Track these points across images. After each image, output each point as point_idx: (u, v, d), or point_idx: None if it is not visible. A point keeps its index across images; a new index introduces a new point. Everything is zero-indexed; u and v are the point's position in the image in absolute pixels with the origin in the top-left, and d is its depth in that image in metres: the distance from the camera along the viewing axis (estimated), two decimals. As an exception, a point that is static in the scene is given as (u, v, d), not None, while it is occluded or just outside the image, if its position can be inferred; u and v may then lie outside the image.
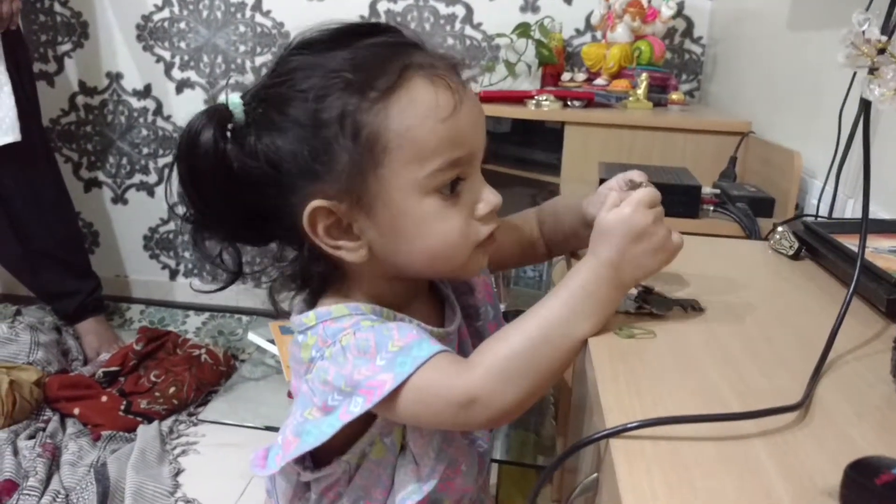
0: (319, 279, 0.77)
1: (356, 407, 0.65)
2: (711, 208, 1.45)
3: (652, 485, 0.44)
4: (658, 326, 0.68)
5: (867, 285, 0.74)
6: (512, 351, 0.64)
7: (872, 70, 0.52)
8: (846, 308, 0.62)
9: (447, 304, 0.83)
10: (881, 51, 0.53)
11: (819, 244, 0.87)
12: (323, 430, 0.67)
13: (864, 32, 0.50)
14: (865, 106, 0.57)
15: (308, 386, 0.71)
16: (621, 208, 0.66)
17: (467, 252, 0.72)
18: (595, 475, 0.58)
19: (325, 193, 0.68)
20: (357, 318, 0.70)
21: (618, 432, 0.48)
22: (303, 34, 0.72)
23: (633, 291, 0.71)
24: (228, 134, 0.71)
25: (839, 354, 0.63)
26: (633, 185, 0.75)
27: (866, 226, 0.64)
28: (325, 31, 0.71)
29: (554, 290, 0.66)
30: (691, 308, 0.72)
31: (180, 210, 0.74)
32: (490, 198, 0.72)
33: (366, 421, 0.72)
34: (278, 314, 0.80)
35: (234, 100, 0.71)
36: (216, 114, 0.71)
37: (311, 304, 0.77)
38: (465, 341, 0.84)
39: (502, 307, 0.92)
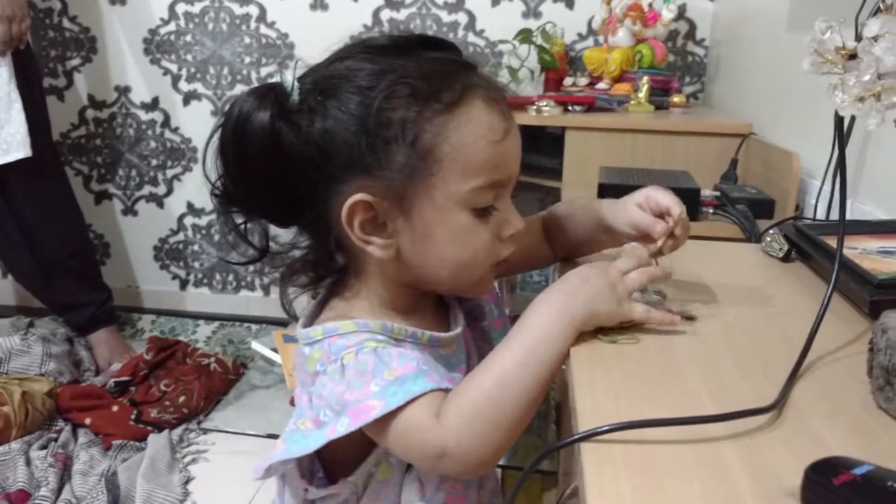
0: (333, 274, 0.79)
1: (342, 427, 0.65)
2: (711, 210, 1.45)
3: (619, 488, 0.45)
4: (642, 332, 0.68)
5: (850, 286, 0.75)
6: (475, 407, 0.64)
7: (840, 77, 0.53)
8: (824, 310, 0.63)
9: (450, 308, 0.84)
10: (852, 56, 0.54)
11: (807, 246, 0.88)
12: (309, 442, 0.68)
13: (826, 40, 0.51)
14: (838, 115, 0.58)
15: (308, 397, 0.72)
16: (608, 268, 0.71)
17: (486, 269, 0.76)
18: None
19: (371, 189, 0.70)
20: (363, 337, 0.71)
21: (588, 436, 0.49)
22: (361, 37, 0.75)
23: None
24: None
25: (819, 356, 0.64)
26: (660, 212, 0.78)
27: (843, 228, 0.64)
28: (390, 36, 0.74)
29: (511, 336, 0.67)
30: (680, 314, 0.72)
31: (210, 180, 0.75)
32: (517, 223, 0.76)
33: (370, 443, 0.73)
34: (287, 310, 0.81)
35: (290, 79, 0.73)
36: (273, 93, 0.72)
37: (317, 313, 0.78)
38: (471, 343, 0.85)
39: (507, 312, 0.93)
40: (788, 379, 0.58)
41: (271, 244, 0.80)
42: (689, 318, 0.72)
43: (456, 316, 0.83)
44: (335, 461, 0.76)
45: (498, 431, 0.64)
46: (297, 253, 0.80)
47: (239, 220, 0.78)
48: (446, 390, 0.66)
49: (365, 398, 0.65)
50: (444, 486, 0.75)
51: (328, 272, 0.79)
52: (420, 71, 0.70)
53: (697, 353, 0.64)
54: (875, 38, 0.47)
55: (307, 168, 0.72)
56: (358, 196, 0.70)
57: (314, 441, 0.67)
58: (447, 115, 0.69)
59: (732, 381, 0.59)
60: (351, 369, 0.68)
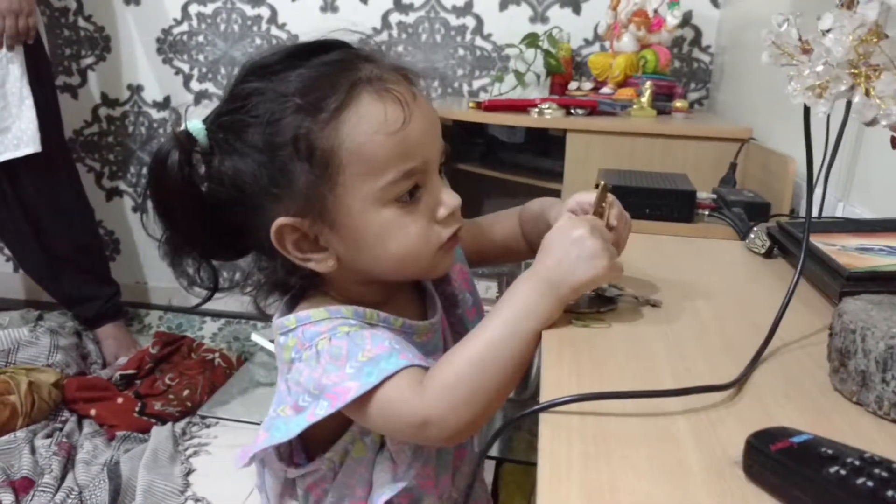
0: (299, 286, 0.79)
1: (321, 410, 0.67)
2: (707, 213, 1.46)
3: (570, 454, 0.47)
4: (615, 319, 0.70)
5: (823, 279, 0.77)
6: (458, 376, 0.65)
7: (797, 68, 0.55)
8: (789, 297, 0.64)
9: (427, 295, 0.86)
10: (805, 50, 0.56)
11: (787, 242, 0.90)
12: (291, 427, 0.70)
13: (783, 33, 0.53)
14: (806, 108, 0.60)
15: (286, 385, 0.74)
16: (560, 221, 0.70)
17: (431, 255, 0.75)
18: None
19: (289, 211, 0.71)
20: (335, 323, 0.73)
21: (547, 407, 0.51)
22: (253, 58, 0.74)
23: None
24: (195, 158, 0.74)
25: (785, 343, 0.66)
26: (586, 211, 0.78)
27: (809, 223, 0.66)
28: (276, 53, 0.74)
29: (495, 309, 0.68)
30: (647, 304, 0.74)
31: (158, 233, 0.77)
32: (449, 201, 0.74)
33: (346, 421, 0.75)
34: (265, 318, 0.83)
35: (196, 125, 0.74)
36: (179, 140, 0.73)
37: (291, 306, 0.79)
38: (447, 331, 0.87)
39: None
40: (750, 362, 0.60)
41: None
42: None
43: (433, 304, 0.84)
44: (312, 440, 0.77)
45: (479, 400, 0.65)
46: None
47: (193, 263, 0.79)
48: (420, 366, 0.68)
49: (341, 381, 0.67)
50: (416, 464, 0.77)
51: (293, 287, 0.79)
52: (301, 84, 0.70)
53: (666, 339, 0.66)
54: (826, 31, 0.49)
55: (230, 205, 0.73)
56: (279, 221, 0.71)
57: (296, 426, 0.69)
58: (335, 120, 0.69)
59: (696, 365, 0.61)
60: (326, 354, 0.69)
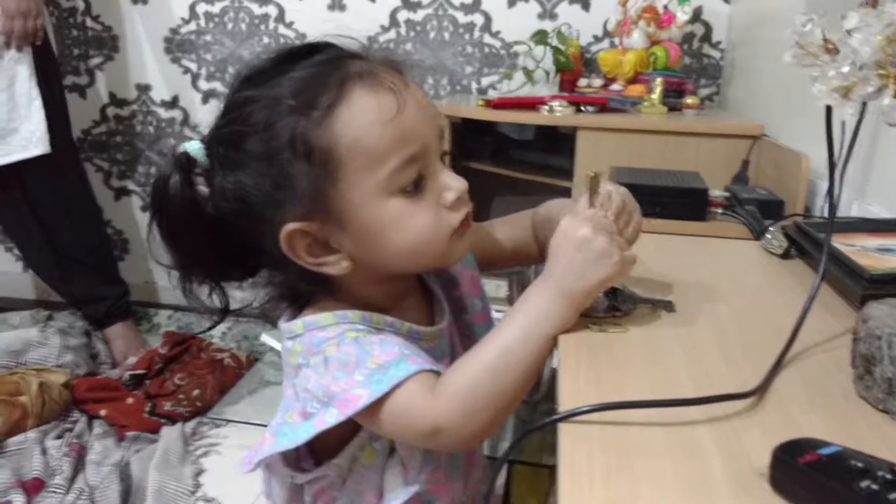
0: (310, 293, 0.78)
1: (331, 417, 0.67)
2: (720, 211, 1.45)
3: (591, 467, 0.46)
4: (632, 323, 0.69)
5: (844, 281, 0.75)
6: (472, 383, 0.65)
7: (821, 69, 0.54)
8: (811, 301, 0.63)
9: (436, 300, 0.85)
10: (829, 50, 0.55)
11: (805, 242, 0.88)
12: (299, 434, 0.69)
13: (807, 33, 0.52)
14: (827, 108, 0.59)
15: (293, 390, 0.73)
16: (561, 224, 0.68)
17: (444, 242, 0.73)
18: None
19: (296, 216, 0.70)
20: (343, 328, 0.72)
21: (566, 417, 0.50)
22: (244, 68, 0.74)
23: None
24: (197, 179, 0.74)
25: (807, 347, 0.64)
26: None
27: (832, 223, 0.65)
28: (265, 60, 0.73)
29: (509, 315, 0.68)
30: (662, 308, 0.73)
31: (167, 260, 0.76)
32: (454, 184, 0.73)
33: (355, 426, 0.74)
34: (270, 319, 0.82)
35: (194, 145, 0.73)
36: (178, 162, 0.73)
37: (297, 309, 0.78)
38: (455, 336, 0.86)
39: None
40: (772, 368, 0.58)
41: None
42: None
43: (441, 309, 0.84)
44: (320, 445, 0.77)
45: (493, 407, 0.64)
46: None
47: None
48: (431, 371, 0.67)
49: (351, 388, 0.66)
50: (427, 469, 0.76)
51: (304, 295, 0.78)
52: (293, 86, 0.69)
53: (684, 343, 0.65)
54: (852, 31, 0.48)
55: (237, 220, 0.73)
56: (288, 227, 0.70)
57: (304, 432, 0.68)
58: (330, 117, 0.68)
59: (716, 370, 0.60)
60: (334, 361, 0.69)
